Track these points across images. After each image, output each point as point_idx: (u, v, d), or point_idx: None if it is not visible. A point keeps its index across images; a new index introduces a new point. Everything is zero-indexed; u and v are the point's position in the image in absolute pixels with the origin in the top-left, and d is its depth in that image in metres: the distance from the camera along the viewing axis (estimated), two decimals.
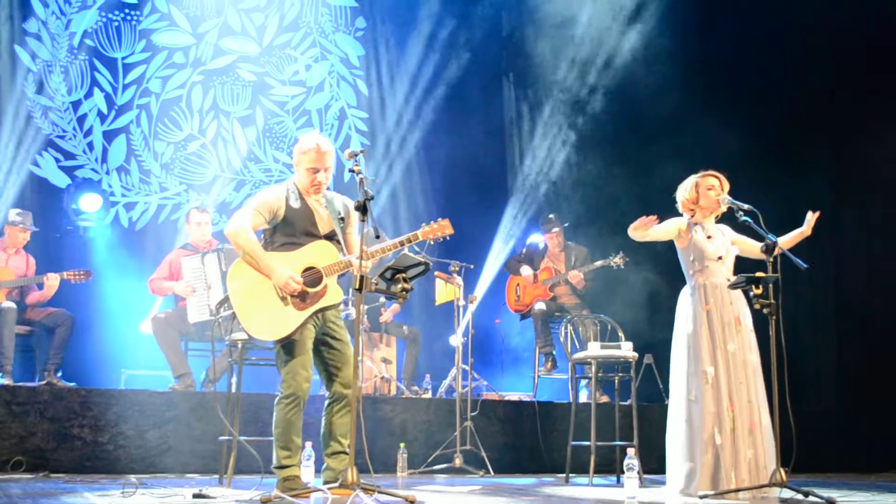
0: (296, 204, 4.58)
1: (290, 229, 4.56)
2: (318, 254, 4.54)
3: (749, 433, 4.93)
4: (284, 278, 4.41)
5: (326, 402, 4.60)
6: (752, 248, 5.23)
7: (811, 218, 5.23)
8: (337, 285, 4.56)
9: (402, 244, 4.58)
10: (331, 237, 4.61)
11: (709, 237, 5.20)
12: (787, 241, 5.17)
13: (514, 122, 10.44)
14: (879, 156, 8.44)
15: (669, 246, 5.40)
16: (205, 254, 7.02)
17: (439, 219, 4.79)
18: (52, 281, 6.93)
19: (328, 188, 4.73)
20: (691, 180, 5.30)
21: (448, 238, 4.79)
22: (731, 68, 9.09)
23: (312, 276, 4.50)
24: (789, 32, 8.91)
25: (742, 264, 5.31)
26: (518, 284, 8.52)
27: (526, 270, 8.39)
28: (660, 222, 5.22)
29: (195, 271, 6.97)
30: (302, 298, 4.46)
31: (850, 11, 8.49)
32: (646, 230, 5.16)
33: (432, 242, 4.86)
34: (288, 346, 4.47)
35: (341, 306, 4.80)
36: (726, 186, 5.24)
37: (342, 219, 4.66)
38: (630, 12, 9.55)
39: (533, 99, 10.34)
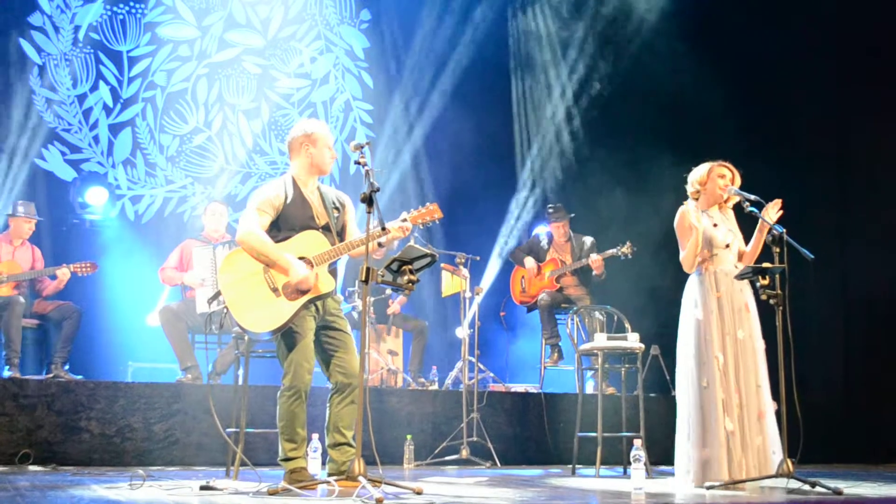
0: (292, 198, 4.58)
1: (289, 223, 4.55)
2: (307, 244, 4.53)
3: (757, 419, 4.93)
4: (301, 276, 4.40)
5: (330, 394, 4.60)
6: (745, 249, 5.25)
7: (770, 206, 5.03)
8: (328, 274, 4.54)
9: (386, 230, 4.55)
10: (328, 228, 4.61)
11: (714, 225, 5.20)
12: (752, 249, 5.18)
13: (521, 113, 10.41)
14: (888, 141, 8.40)
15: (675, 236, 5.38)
16: (216, 245, 7.03)
17: (427, 203, 4.79)
18: (64, 272, 6.99)
19: (322, 182, 4.73)
20: (706, 165, 5.29)
21: (438, 222, 4.80)
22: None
23: None
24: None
25: None
26: (523, 276, 8.50)
27: (529, 262, 8.35)
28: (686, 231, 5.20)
29: (206, 262, 6.98)
30: (294, 289, 4.44)
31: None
32: (696, 251, 5.13)
33: (422, 227, 4.85)
34: (289, 338, 4.46)
35: (339, 296, 4.79)
36: (737, 182, 5.23)
37: (337, 209, 4.66)
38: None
39: (539, 88, 10.31)
